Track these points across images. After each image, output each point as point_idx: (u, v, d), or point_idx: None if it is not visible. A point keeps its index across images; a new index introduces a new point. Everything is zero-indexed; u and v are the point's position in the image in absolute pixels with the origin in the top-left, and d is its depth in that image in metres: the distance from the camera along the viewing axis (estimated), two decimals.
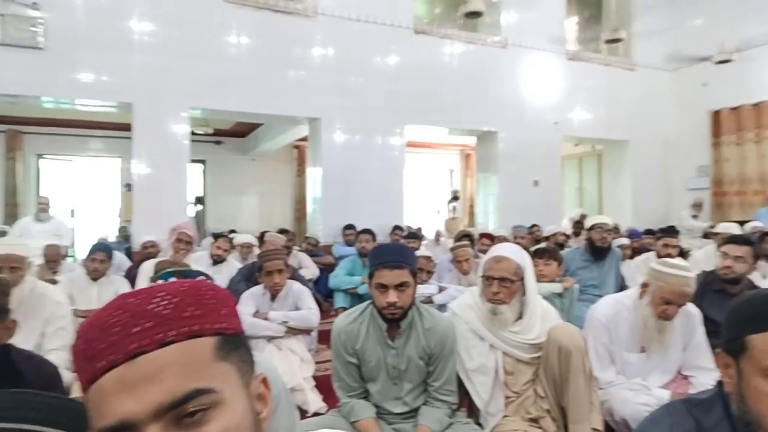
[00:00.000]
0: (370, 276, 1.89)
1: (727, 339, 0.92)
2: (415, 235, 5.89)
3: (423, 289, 3.41)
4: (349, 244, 5.82)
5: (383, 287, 1.84)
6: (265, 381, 0.61)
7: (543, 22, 7.76)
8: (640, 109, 8.58)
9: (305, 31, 6.24)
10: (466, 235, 5.01)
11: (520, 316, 2.04)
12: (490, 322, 2.02)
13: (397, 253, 1.91)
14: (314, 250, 5.75)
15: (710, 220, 7.61)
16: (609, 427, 2.12)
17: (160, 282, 0.91)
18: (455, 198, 10.85)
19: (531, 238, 6.45)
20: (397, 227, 6.34)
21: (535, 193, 7.66)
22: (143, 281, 3.47)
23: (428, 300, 3.39)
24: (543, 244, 5.32)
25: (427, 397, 1.96)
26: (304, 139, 8.26)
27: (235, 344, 0.57)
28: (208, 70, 5.75)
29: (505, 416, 1.99)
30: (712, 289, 2.90)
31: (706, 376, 2.19)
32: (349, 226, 5.91)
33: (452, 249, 4.10)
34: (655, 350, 2.22)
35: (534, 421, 1.96)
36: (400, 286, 1.83)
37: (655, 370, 2.25)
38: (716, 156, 8.19)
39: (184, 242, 3.75)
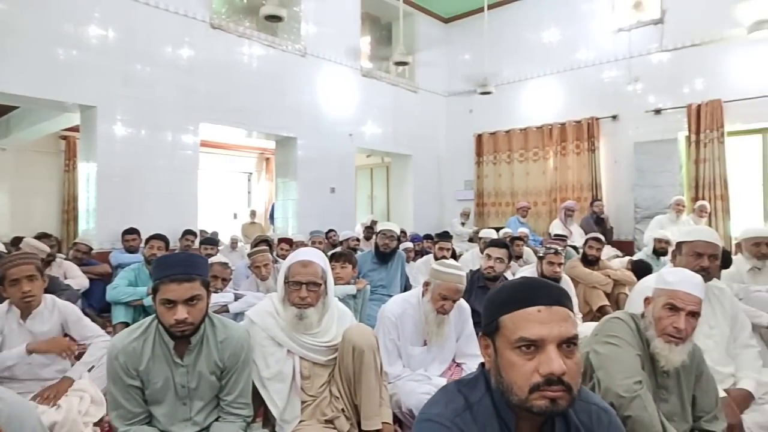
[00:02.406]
0: (154, 291, 1.69)
1: (485, 323, 1.10)
2: (211, 241, 5.58)
3: (218, 298, 3.24)
4: (130, 250, 5.20)
5: (170, 303, 1.66)
6: None
7: (340, 37, 8.13)
8: (421, 128, 9.62)
9: (80, 4, 5.39)
10: (264, 241, 4.92)
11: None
12: (294, 327, 2.00)
13: (185, 263, 1.72)
14: (85, 258, 4.97)
15: (475, 227, 8.92)
16: (397, 419, 2.30)
17: None
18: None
19: (328, 243, 6.68)
20: (188, 232, 5.90)
21: (331, 200, 7.96)
22: None
23: (224, 309, 3.23)
24: (339, 249, 5.57)
25: (220, 412, 1.85)
26: (75, 129, 7.13)
27: None
28: None
29: (301, 421, 2.00)
30: (477, 286, 3.40)
31: (474, 361, 2.56)
32: (131, 231, 5.28)
33: (250, 254, 3.99)
34: (435, 343, 2.50)
35: (329, 422, 2.01)
36: (190, 301, 1.68)
37: (435, 361, 2.53)
38: (479, 172, 9.66)
39: None
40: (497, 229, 6.69)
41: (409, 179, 9.62)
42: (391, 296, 3.08)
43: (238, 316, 3.10)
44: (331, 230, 7.08)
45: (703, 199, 6.92)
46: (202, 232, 6.88)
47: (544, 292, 1.04)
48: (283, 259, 3.51)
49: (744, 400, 2.13)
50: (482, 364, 1.15)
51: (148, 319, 1.81)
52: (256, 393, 1.96)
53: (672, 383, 1.76)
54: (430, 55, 9.83)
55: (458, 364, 2.61)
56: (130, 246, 5.23)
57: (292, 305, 2.00)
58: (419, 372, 2.44)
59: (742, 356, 2.32)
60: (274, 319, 2.05)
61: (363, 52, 8.88)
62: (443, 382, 2.35)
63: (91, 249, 5.19)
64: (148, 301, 3.80)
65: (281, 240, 5.52)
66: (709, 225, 6.54)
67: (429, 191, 9.88)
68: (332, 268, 3.20)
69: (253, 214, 10.51)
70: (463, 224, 8.77)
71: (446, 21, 10.18)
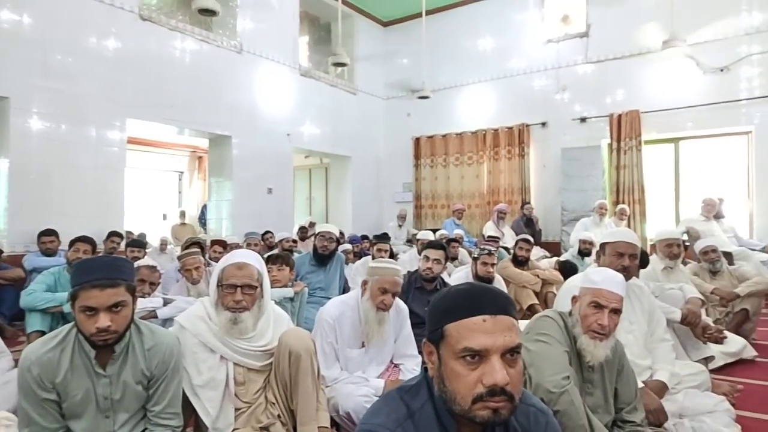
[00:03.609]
0: (73, 297, 1.57)
1: (429, 330, 1.08)
2: (138, 243, 5.30)
3: (145, 303, 3.08)
4: (47, 253, 4.83)
5: (91, 310, 1.55)
6: None
7: (278, 35, 7.99)
8: (360, 130, 9.64)
9: None
10: (195, 243, 4.73)
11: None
12: (228, 332, 1.94)
13: (108, 267, 1.60)
14: None
15: (412, 228, 9.04)
16: (335, 423, 2.28)
17: None
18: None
19: (264, 245, 6.53)
20: (114, 233, 5.56)
21: (268, 201, 7.79)
22: None
23: (152, 315, 3.07)
24: (276, 251, 5.46)
25: (147, 424, 1.75)
26: None
27: None
28: None
29: (235, 429, 1.94)
30: (415, 287, 3.44)
31: (411, 362, 2.59)
32: (48, 232, 4.90)
33: (180, 257, 3.81)
34: (374, 344, 2.51)
35: (265, 429, 1.96)
36: (114, 307, 1.57)
37: (372, 362, 2.53)
38: (417, 175, 9.81)
39: None
40: (434, 231, 6.81)
41: (348, 181, 9.60)
42: (329, 299, 3.05)
43: (167, 321, 2.96)
44: (267, 232, 6.92)
45: (623, 203, 7.41)
46: (129, 233, 6.55)
47: (489, 300, 1.03)
48: (216, 261, 3.39)
49: (659, 390, 2.29)
50: (425, 369, 1.13)
51: (66, 327, 1.67)
52: (186, 402, 1.88)
53: (597, 377, 1.86)
54: (369, 58, 9.87)
55: (396, 365, 2.63)
56: (47, 248, 4.86)
57: (226, 309, 1.94)
58: (357, 374, 2.43)
59: (657, 350, 2.49)
60: (206, 324, 1.97)
61: (301, 52, 8.78)
62: (381, 383, 2.35)
63: (1, 252, 4.78)
64: (68, 308, 3.53)
65: (214, 242, 5.33)
66: (629, 227, 7.00)
67: (368, 193, 9.91)
68: (269, 271, 3.13)
69: (183, 214, 10.09)
70: (400, 226, 8.87)
71: (385, 25, 10.27)
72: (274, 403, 2.00)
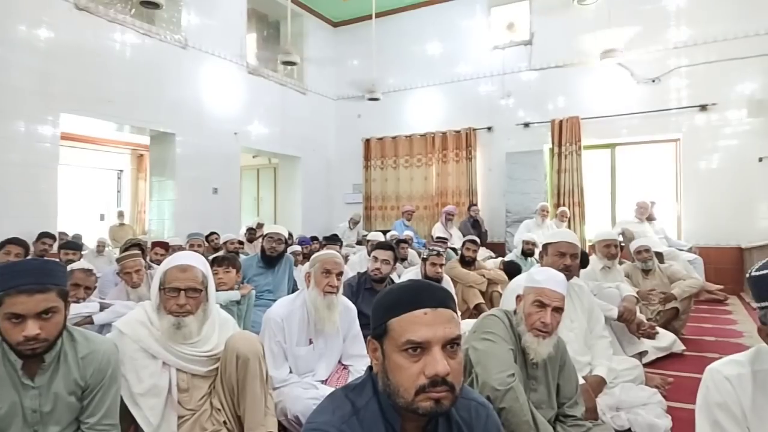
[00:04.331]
0: None
1: (373, 326, 1.11)
2: (72, 245, 5.00)
3: (80, 309, 2.91)
4: None
5: (18, 317, 1.44)
6: None
7: (225, 31, 7.78)
8: (310, 130, 9.55)
9: None
10: (135, 244, 4.53)
11: None
12: (171, 337, 1.87)
13: (37, 271, 1.49)
14: None
15: (362, 230, 9.04)
16: (283, 427, 2.24)
17: None
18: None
19: (209, 247, 6.34)
20: (45, 235, 5.23)
21: (214, 201, 7.56)
22: None
23: (87, 321, 2.91)
24: (221, 252, 5.31)
25: None
26: None
27: None
28: None
29: None
30: (365, 288, 3.45)
31: (361, 362, 2.59)
32: None
33: (119, 260, 3.64)
34: (324, 336, 2.49)
35: None
36: (43, 314, 1.47)
37: (322, 359, 2.51)
38: (367, 176, 9.83)
39: None
40: (384, 232, 6.84)
41: (298, 181, 9.48)
42: None
43: (104, 327, 2.81)
44: (212, 233, 6.71)
45: (564, 205, 7.72)
46: (62, 234, 6.18)
47: (429, 294, 1.07)
48: (158, 264, 3.26)
49: (599, 385, 2.40)
50: (370, 368, 1.16)
51: None
52: (125, 411, 1.79)
53: (540, 374, 1.93)
54: (319, 58, 9.80)
55: (345, 366, 2.61)
56: None
57: (169, 314, 1.87)
58: (306, 380, 2.40)
59: (596, 346, 2.61)
60: (147, 329, 1.89)
61: (249, 49, 8.59)
62: (330, 390, 2.32)
63: None
64: None
65: (156, 244, 5.11)
66: (569, 228, 7.30)
67: (318, 194, 9.82)
68: (214, 273, 3.05)
69: (121, 214, 9.65)
70: (351, 228, 8.85)
71: (335, 25, 10.23)
72: (219, 410, 1.95)
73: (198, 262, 1.98)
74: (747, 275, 1.25)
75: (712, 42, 7.02)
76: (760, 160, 6.73)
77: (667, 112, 7.34)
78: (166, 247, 4.94)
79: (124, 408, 1.79)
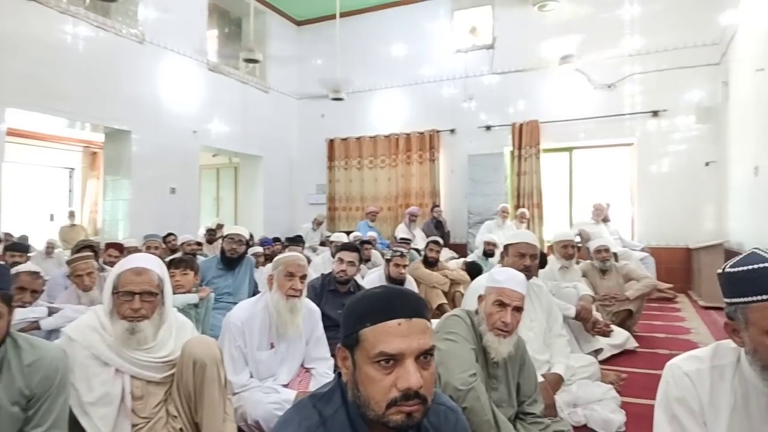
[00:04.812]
0: None
1: (344, 335, 1.05)
2: (18, 246, 4.75)
3: (26, 314, 2.76)
4: None
5: None
6: None
7: (184, 26, 7.57)
8: (272, 129, 9.41)
9: None
10: (88, 246, 4.35)
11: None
12: (124, 342, 1.79)
13: None
14: None
15: (326, 231, 8.98)
16: None
17: None
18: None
19: (167, 248, 6.15)
20: None
21: (171, 201, 7.35)
22: None
23: (34, 326, 2.77)
24: (179, 254, 5.16)
25: None
26: None
27: None
28: None
29: None
30: (329, 289, 3.41)
31: (323, 365, 2.56)
32: None
33: (69, 262, 3.48)
34: (286, 340, 2.45)
35: None
36: None
37: (283, 363, 2.47)
38: (330, 177, 9.77)
39: None
40: (348, 233, 6.81)
41: (260, 181, 9.33)
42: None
43: (52, 333, 2.68)
44: (170, 234, 6.51)
45: (524, 206, 7.89)
46: (7, 235, 5.87)
47: (403, 303, 1.02)
48: (111, 266, 3.14)
49: (557, 382, 2.46)
50: (339, 374, 1.11)
51: None
52: (74, 421, 1.71)
53: (501, 373, 1.95)
54: (282, 56, 9.67)
55: (307, 370, 2.58)
56: None
57: (123, 318, 1.79)
58: (267, 384, 2.35)
59: (555, 344, 2.67)
60: (99, 335, 1.81)
61: (210, 46, 8.40)
62: (292, 395, 2.28)
63: None
64: None
65: (109, 245, 4.91)
66: (529, 229, 7.46)
67: (280, 194, 9.69)
68: (171, 276, 2.95)
69: (72, 215, 9.25)
70: (314, 229, 8.77)
71: (298, 24, 10.13)
72: (176, 417, 1.89)
73: (154, 264, 1.91)
74: (720, 271, 1.24)
75: (664, 51, 7.33)
76: (707, 164, 7.06)
77: (622, 117, 7.61)
78: (121, 249, 4.76)
79: (72, 418, 1.71)
